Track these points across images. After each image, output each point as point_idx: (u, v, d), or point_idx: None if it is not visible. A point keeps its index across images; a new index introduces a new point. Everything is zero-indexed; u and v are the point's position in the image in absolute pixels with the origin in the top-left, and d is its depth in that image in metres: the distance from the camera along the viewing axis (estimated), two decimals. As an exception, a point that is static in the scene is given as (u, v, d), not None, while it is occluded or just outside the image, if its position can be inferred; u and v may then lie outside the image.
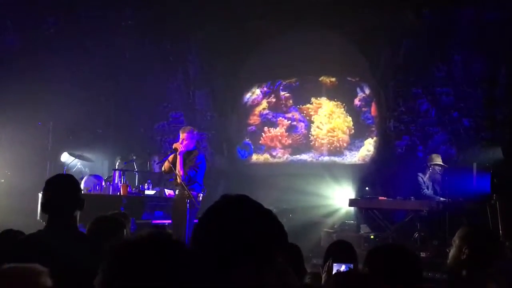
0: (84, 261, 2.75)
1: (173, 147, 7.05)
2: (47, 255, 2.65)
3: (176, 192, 7.04)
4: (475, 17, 9.39)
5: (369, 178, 9.99)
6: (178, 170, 6.89)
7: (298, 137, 11.31)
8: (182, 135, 7.04)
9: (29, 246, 2.86)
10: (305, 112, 11.23)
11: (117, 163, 9.76)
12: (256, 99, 11.92)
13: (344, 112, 10.84)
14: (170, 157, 7.03)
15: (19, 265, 1.88)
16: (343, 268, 3.07)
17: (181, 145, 6.97)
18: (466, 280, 2.82)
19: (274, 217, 1.69)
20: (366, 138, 10.66)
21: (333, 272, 3.13)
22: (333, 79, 11.06)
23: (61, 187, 3.07)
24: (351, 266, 3.02)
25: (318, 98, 11.11)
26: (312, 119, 11.14)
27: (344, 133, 10.82)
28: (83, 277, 2.65)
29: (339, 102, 10.93)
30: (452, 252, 2.91)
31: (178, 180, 6.84)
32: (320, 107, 11.07)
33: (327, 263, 3.36)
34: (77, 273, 2.65)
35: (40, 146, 10.68)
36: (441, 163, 8.41)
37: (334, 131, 10.88)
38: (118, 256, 1.30)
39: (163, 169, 7.25)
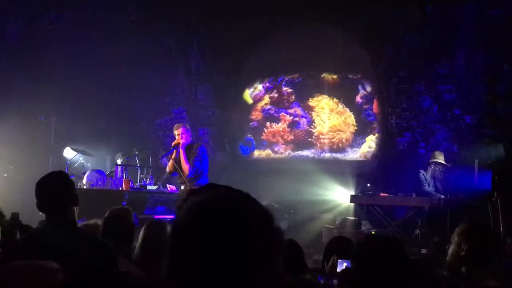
0: (84, 256, 2.77)
1: (173, 144, 7.10)
2: (49, 252, 2.66)
3: (182, 188, 7.05)
4: (478, 13, 9.38)
5: (371, 174, 10.01)
6: (184, 164, 6.91)
7: (300, 133, 11.32)
8: (178, 131, 7.11)
9: (30, 244, 2.87)
10: (307, 108, 11.24)
11: (118, 160, 9.79)
12: (258, 95, 11.93)
13: (346, 109, 10.84)
14: (173, 154, 7.07)
15: (33, 261, 1.89)
16: (345, 265, 3.09)
17: (181, 140, 7.02)
18: (465, 277, 2.83)
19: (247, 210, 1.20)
20: (368, 135, 10.67)
21: (337, 269, 3.16)
22: (335, 76, 11.07)
23: (53, 186, 3.05)
24: None
25: (320, 95, 11.12)
26: (314, 115, 11.15)
27: (345, 130, 10.82)
28: (84, 272, 2.68)
29: (340, 100, 10.93)
30: (451, 249, 2.92)
31: (184, 175, 6.86)
32: (322, 103, 11.08)
33: (332, 259, 3.38)
34: (78, 269, 2.67)
35: (42, 141, 10.71)
36: (443, 162, 8.42)
37: (335, 128, 10.89)
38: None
39: (167, 170, 7.26)
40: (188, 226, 1.17)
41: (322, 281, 3.07)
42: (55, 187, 3.04)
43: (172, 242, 1.18)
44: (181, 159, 6.97)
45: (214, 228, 1.14)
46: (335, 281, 2.94)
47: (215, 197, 1.21)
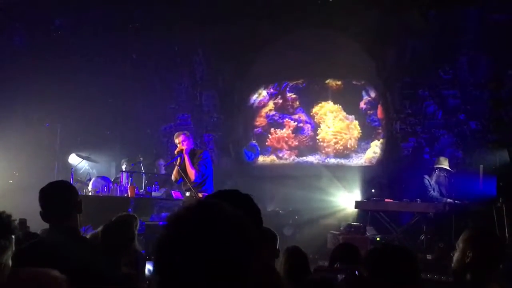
0: (86, 264, 2.77)
1: (177, 151, 7.11)
2: (50, 260, 2.67)
3: (187, 194, 7.05)
4: (482, 18, 9.38)
5: (376, 180, 9.99)
6: (189, 170, 6.91)
7: (304, 139, 11.32)
8: (178, 139, 7.13)
9: (31, 252, 2.87)
10: (311, 114, 11.24)
11: (123, 165, 9.83)
12: (263, 101, 11.94)
13: (351, 115, 10.85)
14: (177, 161, 7.08)
15: (40, 269, 1.90)
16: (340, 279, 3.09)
17: (184, 146, 7.04)
18: (471, 284, 2.82)
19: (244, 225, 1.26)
20: (373, 140, 10.66)
21: None
22: (339, 82, 11.07)
23: (55, 193, 3.05)
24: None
25: (324, 101, 11.12)
26: (318, 121, 11.15)
27: (350, 136, 10.82)
28: (87, 279, 2.69)
29: (344, 105, 10.93)
30: (456, 255, 2.91)
31: (191, 180, 6.85)
32: (326, 109, 11.08)
33: (335, 267, 3.39)
34: (82, 276, 2.68)
35: (48, 147, 10.75)
36: (448, 167, 8.40)
37: (340, 133, 10.88)
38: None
39: (173, 178, 7.24)
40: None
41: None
42: (57, 194, 3.04)
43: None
44: (186, 165, 6.96)
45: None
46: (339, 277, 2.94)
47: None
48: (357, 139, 10.80)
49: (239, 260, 1.19)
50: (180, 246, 1.18)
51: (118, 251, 3.50)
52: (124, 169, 9.42)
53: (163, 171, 9.76)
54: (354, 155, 10.79)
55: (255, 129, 11.89)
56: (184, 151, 7.04)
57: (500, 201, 7.25)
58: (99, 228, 3.99)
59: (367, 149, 10.69)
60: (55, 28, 11.29)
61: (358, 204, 8.92)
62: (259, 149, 11.78)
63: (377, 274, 2.37)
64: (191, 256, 1.17)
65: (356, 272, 2.66)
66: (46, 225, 3.16)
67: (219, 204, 1.27)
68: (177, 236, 1.20)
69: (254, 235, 1.25)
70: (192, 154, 7.10)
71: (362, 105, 10.78)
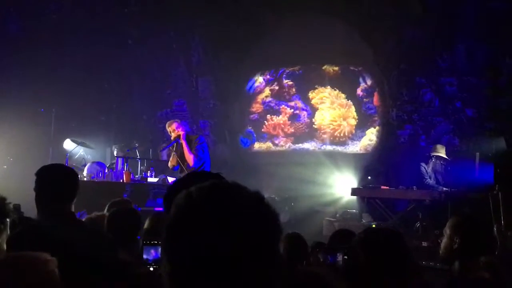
0: (83, 247, 2.75)
1: (173, 138, 7.06)
2: (47, 244, 2.64)
3: None
4: (480, 6, 9.34)
5: (372, 167, 10.00)
6: (187, 155, 6.87)
7: (300, 126, 11.30)
8: (171, 127, 7.08)
9: (29, 236, 2.84)
10: (308, 100, 11.21)
11: (115, 151, 9.78)
12: (259, 87, 11.90)
13: (347, 101, 10.83)
14: (174, 147, 7.04)
15: (27, 252, 1.87)
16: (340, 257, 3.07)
17: (180, 132, 6.99)
18: (459, 270, 2.81)
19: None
20: (369, 128, 10.65)
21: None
22: (336, 68, 11.04)
23: (55, 177, 3.01)
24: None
25: (321, 87, 11.09)
26: (314, 108, 11.12)
27: (346, 123, 10.80)
28: (85, 263, 2.66)
29: (341, 92, 10.91)
30: (443, 242, 2.90)
31: (190, 165, 6.82)
32: (323, 96, 11.05)
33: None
34: (80, 260, 2.65)
35: (42, 132, 10.68)
36: (444, 155, 8.39)
37: (336, 120, 10.87)
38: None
39: (170, 165, 7.21)
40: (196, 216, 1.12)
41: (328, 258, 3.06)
42: (58, 175, 3.01)
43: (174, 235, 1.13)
44: (184, 150, 6.92)
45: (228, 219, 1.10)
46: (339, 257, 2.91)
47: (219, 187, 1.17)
48: (353, 126, 10.78)
49: (262, 245, 1.11)
50: (195, 231, 1.10)
51: (125, 241, 3.47)
52: (115, 154, 9.40)
53: (165, 157, 9.69)
54: (350, 142, 10.79)
55: (251, 116, 11.86)
56: (181, 137, 7.00)
57: (497, 188, 7.23)
58: (94, 213, 3.95)
59: (363, 136, 10.69)
60: (50, 13, 11.16)
61: (354, 191, 8.91)
62: (255, 135, 11.76)
63: (368, 253, 2.33)
64: (207, 241, 1.08)
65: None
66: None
67: (234, 185, 1.18)
68: (191, 219, 1.11)
69: (276, 218, 1.16)
70: (187, 140, 7.06)
71: (358, 92, 10.76)
